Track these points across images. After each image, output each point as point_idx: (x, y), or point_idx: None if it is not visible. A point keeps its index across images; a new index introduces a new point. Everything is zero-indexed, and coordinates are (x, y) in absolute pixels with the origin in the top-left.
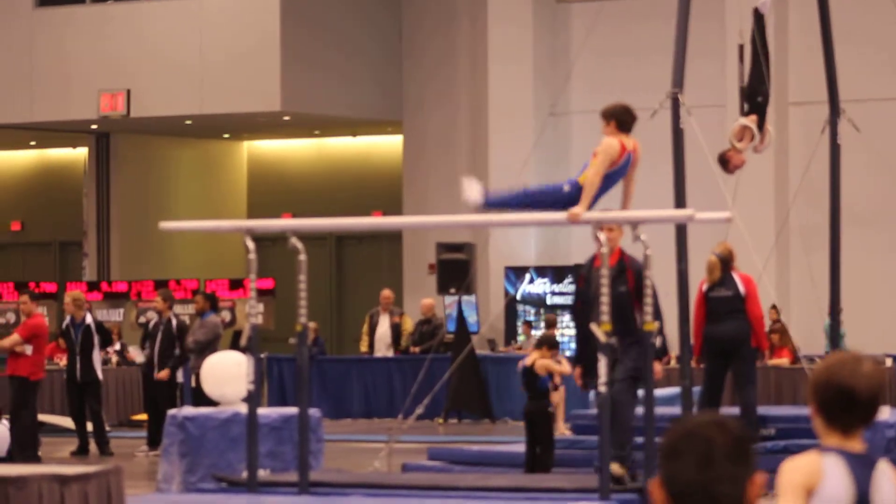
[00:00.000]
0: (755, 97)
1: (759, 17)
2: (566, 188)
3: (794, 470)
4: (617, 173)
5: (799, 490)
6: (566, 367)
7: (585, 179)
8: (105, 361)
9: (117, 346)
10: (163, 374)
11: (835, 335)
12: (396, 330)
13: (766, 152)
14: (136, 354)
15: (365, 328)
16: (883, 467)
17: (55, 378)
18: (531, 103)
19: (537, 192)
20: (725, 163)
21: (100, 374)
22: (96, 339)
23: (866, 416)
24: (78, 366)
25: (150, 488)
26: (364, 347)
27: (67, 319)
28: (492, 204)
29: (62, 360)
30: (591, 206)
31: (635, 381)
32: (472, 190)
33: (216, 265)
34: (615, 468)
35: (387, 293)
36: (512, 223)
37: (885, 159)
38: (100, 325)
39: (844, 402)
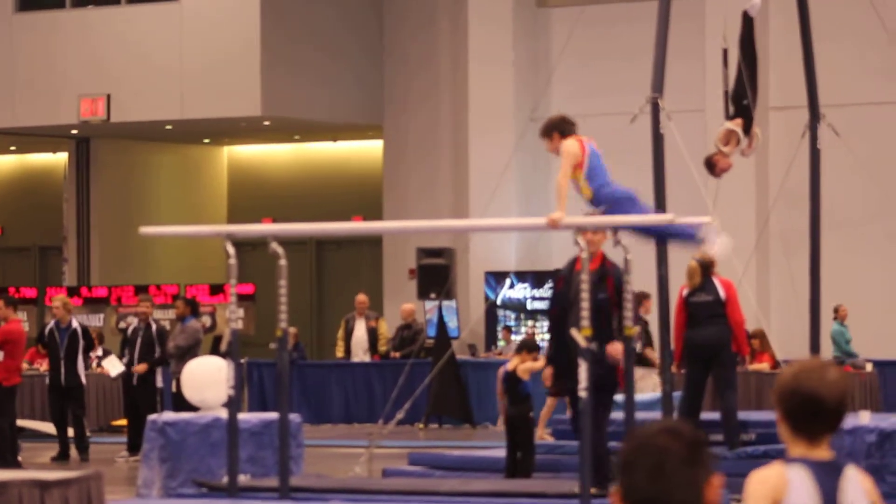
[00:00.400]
0: (741, 100)
1: (748, 21)
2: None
3: (760, 482)
4: (595, 168)
5: (765, 503)
6: (541, 363)
7: (557, 184)
8: (86, 367)
9: (99, 352)
10: (140, 368)
11: (814, 340)
12: (373, 335)
13: (746, 158)
14: (111, 367)
15: (340, 333)
16: (850, 473)
17: (35, 383)
18: (512, 107)
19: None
20: (712, 167)
21: (83, 380)
22: (81, 344)
23: (833, 423)
24: (62, 370)
25: (131, 494)
26: (340, 353)
27: (52, 324)
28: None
29: (42, 366)
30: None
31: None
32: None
33: (196, 270)
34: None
35: (361, 297)
36: (491, 228)
37: (864, 163)
38: (85, 330)
39: (811, 410)
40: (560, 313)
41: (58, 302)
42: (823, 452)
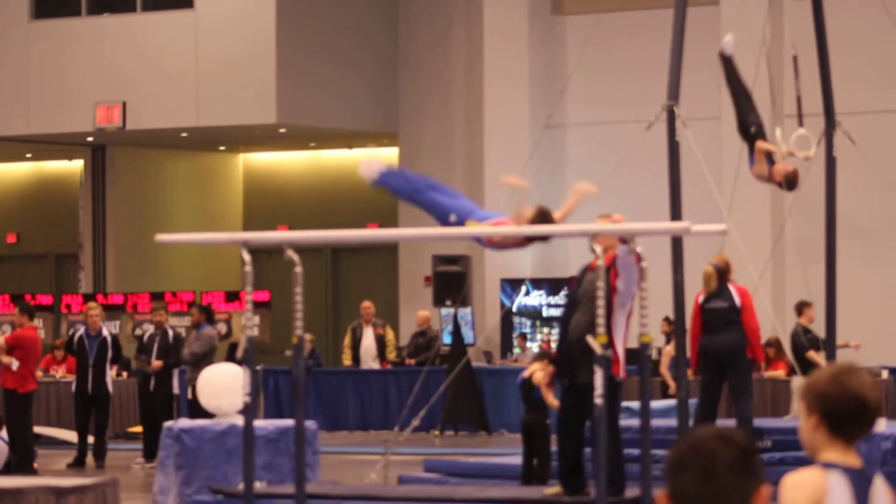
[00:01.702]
0: (748, 130)
1: (726, 60)
2: (452, 219)
3: (800, 486)
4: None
5: None
6: (553, 402)
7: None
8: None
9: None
10: (157, 364)
11: (830, 347)
12: (381, 342)
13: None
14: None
15: (347, 341)
16: (878, 483)
17: (51, 390)
18: (527, 115)
19: (427, 202)
20: (791, 183)
21: (111, 388)
22: (110, 353)
23: (870, 425)
24: (90, 379)
25: (147, 500)
26: (348, 361)
27: (81, 331)
28: (384, 184)
29: (59, 373)
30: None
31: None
32: (371, 167)
33: (212, 277)
34: (551, 489)
35: (366, 304)
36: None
37: (880, 171)
38: (115, 339)
39: (857, 412)
40: (567, 311)
41: (94, 310)
42: (855, 460)
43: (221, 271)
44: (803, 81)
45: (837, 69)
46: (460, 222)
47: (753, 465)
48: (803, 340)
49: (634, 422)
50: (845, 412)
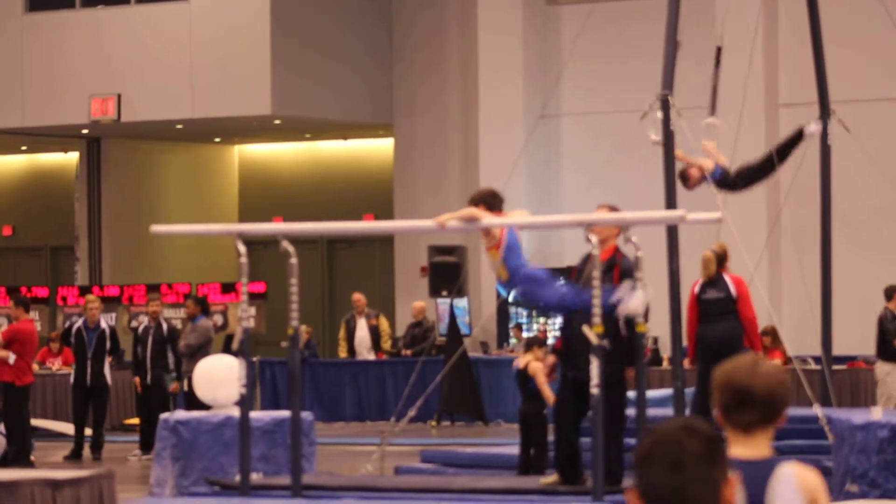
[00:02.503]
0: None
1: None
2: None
3: None
4: (512, 248)
5: None
6: (549, 395)
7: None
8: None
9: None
10: (174, 387)
11: (826, 335)
12: (375, 332)
13: (757, 154)
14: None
15: (341, 333)
16: (782, 472)
17: (47, 382)
18: (521, 105)
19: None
20: (686, 180)
21: (109, 380)
22: (108, 345)
23: (764, 415)
24: (88, 371)
25: (143, 492)
26: (343, 353)
27: (79, 323)
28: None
29: (55, 364)
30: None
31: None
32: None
33: (208, 269)
34: (548, 479)
35: (357, 296)
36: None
37: (875, 160)
38: (113, 332)
39: (740, 401)
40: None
41: (94, 303)
42: (760, 451)
43: (217, 263)
44: (798, 71)
45: (832, 58)
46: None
47: (720, 454)
48: (890, 326)
49: (630, 412)
50: (731, 403)
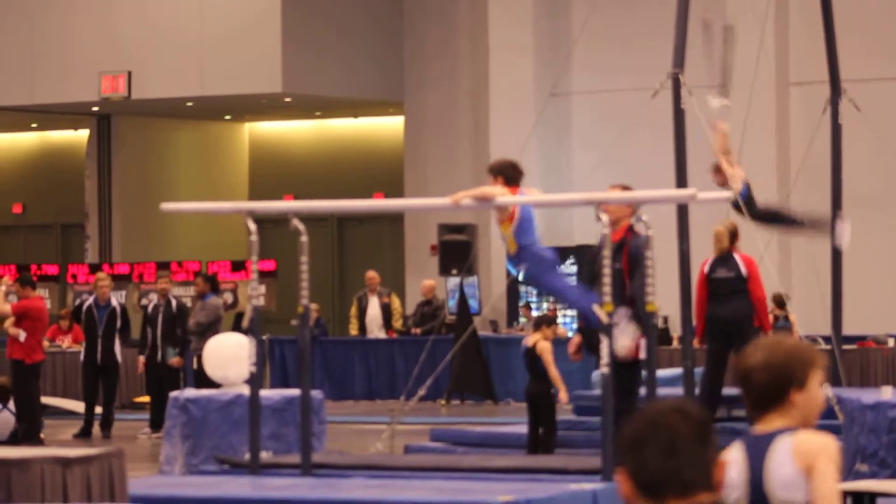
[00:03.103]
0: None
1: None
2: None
3: None
4: (525, 224)
5: None
6: (556, 375)
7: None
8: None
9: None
10: (175, 361)
11: (836, 315)
12: (387, 311)
13: (768, 133)
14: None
15: (353, 311)
16: (780, 441)
17: (57, 360)
18: (532, 84)
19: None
20: (714, 173)
21: (119, 358)
22: (118, 323)
23: (764, 394)
24: (99, 349)
25: (153, 470)
26: (354, 331)
27: (90, 300)
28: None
29: (65, 342)
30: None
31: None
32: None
33: (218, 247)
34: None
35: (371, 274)
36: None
37: (886, 140)
38: (123, 310)
39: (742, 383)
40: (588, 282)
41: (104, 280)
42: (766, 426)
43: (227, 241)
44: (809, 49)
45: (842, 37)
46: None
47: (711, 435)
48: None
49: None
50: (739, 384)
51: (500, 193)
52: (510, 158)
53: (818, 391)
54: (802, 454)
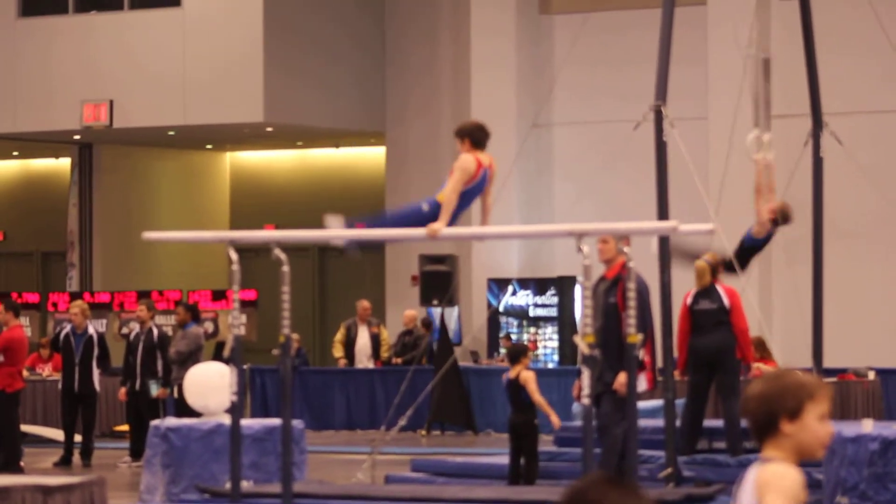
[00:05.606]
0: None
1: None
2: (425, 207)
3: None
4: (474, 190)
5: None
6: (541, 401)
7: (443, 196)
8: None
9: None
10: (160, 393)
11: (818, 349)
12: (376, 341)
13: (749, 165)
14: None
15: (339, 336)
16: (749, 475)
17: (37, 388)
18: (514, 114)
19: (398, 216)
20: (786, 216)
21: (97, 387)
22: (96, 352)
23: (756, 427)
24: (76, 377)
25: (134, 499)
26: (338, 353)
27: (67, 329)
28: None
29: (45, 371)
30: (450, 223)
31: (620, 399)
32: (335, 225)
33: (199, 276)
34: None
35: (364, 304)
36: (493, 236)
37: (868, 172)
38: (101, 338)
39: (742, 413)
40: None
41: (76, 308)
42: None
43: (208, 270)
44: (791, 82)
45: (825, 69)
46: (432, 202)
47: None
48: None
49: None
50: (742, 415)
51: (469, 162)
52: (477, 121)
53: (815, 423)
54: (759, 486)
